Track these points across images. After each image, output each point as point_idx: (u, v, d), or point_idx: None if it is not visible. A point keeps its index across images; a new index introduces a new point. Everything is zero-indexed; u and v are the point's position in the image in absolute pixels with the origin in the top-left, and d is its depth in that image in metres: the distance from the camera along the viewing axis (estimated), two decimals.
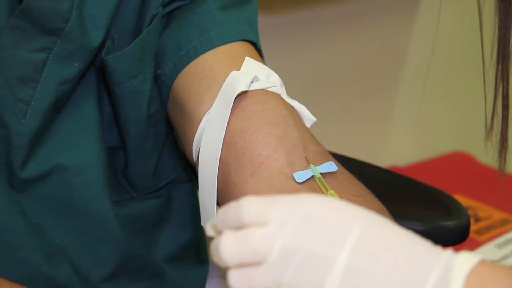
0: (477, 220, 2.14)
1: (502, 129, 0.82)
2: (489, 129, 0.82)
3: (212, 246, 0.59)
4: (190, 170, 1.05)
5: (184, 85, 0.92)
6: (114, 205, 0.94)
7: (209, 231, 0.62)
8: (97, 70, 0.94)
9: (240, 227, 0.59)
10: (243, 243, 0.58)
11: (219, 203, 0.87)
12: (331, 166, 0.83)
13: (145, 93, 0.93)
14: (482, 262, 0.57)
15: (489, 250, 2.01)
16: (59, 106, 0.92)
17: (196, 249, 1.08)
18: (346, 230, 0.58)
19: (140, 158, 0.98)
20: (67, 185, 0.92)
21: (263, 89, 0.88)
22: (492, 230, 2.11)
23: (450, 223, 1.19)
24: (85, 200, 0.93)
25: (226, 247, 0.58)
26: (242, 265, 0.58)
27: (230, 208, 0.60)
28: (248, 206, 0.59)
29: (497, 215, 2.18)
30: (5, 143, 0.89)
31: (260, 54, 0.97)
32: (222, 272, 1.08)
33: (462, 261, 0.57)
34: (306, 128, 0.88)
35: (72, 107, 0.93)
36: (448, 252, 0.58)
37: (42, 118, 0.90)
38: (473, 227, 2.07)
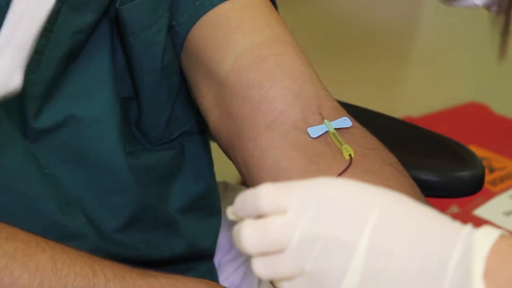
0: (492, 170, 2.14)
1: None
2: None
3: (234, 234, 0.60)
4: (203, 121, 1.05)
5: (199, 36, 0.92)
6: (127, 156, 0.94)
7: (230, 216, 0.63)
8: (110, 20, 0.93)
9: (259, 215, 0.60)
10: (264, 232, 0.59)
11: (234, 158, 0.87)
12: (345, 121, 0.83)
13: (159, 44, 0.92)
14: (502, 237, 0.57)
15: (503, 201, 2.02)
16: (72, 56, 0.91)
17: (209, 200, 1.08)
18: (364, 214, 0.58)
19: (153, 109, 0.98)
20: (81, 136, 0.92)
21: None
22: (506, 181, 2.11)
23: (464, 173, 1.19)
24: (99, 150, 0.93)
25: (247, 237, 0.59)
26: (264, 254, 0.59)
27: (247, 196, 0.61)
28: (264, 195, 0.60)
29: None
30: (19, 93, 0.89)
31: (274, 5, 0.96)
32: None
33: (482, 238, 0.57)
34: (321, 83, 0.88)
35: (86, 57, 0.92)
36: (468, 229, 0.58)
37: (55, 68, 0.89)
38: (488, 177, 2.07)
